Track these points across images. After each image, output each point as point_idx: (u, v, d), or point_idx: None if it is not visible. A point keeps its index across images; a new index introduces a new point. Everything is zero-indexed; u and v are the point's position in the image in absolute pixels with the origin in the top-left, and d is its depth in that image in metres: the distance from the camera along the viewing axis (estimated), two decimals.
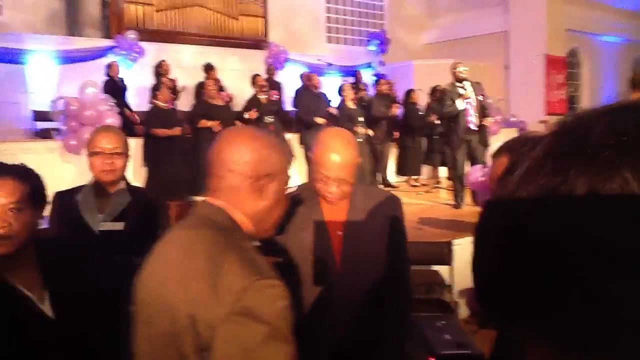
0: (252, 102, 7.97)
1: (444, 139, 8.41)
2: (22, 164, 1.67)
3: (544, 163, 0.41)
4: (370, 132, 8.24)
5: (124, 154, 2.31)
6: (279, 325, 1.08)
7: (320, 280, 1.97)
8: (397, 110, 8.86)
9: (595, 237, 0.36)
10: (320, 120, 8.23)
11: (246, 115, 7.65)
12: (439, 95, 8.67)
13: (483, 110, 6.72)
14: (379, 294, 2.02)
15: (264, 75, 9.76)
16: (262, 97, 8.02)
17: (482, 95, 6.79)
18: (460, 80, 6.66)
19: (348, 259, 1.98)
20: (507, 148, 1.51)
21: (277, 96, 9.18)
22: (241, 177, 1.23)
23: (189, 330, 1.09)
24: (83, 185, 2.34)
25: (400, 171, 9.57)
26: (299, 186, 2.13)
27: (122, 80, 9.11)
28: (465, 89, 6.61)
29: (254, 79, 8.45)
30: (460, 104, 6.55)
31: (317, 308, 1.97)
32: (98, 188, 2.31)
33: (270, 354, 1.06)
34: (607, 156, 0.38)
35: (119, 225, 2.26)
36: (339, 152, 1.87)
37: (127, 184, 2.40)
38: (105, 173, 2.26)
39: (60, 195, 2.34)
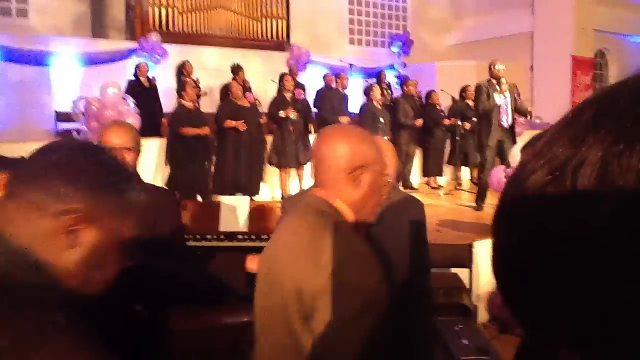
0: (278, 101, 7.93)
1: (468, 140, 8.29)
2: (22, 157, 1.63)
3: (562, 133, 0.36)
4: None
5: (134, 150, 2.24)
6: (369, 297, 1.25)
7: None
8: (421, 122, 8.76)
9: (601, 225, 0.32)
10: (344, 119, 8.19)
11: (282, 114, 7.61)
12: (471, 92, 8.50)
13: (519, 111, 6.71)
14: (402, 300, 1.98)
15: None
16: (287, 95, 7.99)
17: (518, 95, 6.79)
18: (497, 78, 6.64)
19: None
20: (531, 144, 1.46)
21: (302, 95, 9.16)
22: (337, 171, 1.39)
23: (295, 301, 1.28)
24: None
25: (424, 172, 9.47)
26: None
27: (150, 79, 9.02)
28: (500, 85, 6.59)
29: (282, 77, 8.44)
30: (498, 99, 6.52)
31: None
32: None
33: (362, 323, 1.23)
34: (628, 126, 0.32)
35: None
36: (386, 148, 1.88)
37: (138, 180, 2.36)
38: None
39: None
